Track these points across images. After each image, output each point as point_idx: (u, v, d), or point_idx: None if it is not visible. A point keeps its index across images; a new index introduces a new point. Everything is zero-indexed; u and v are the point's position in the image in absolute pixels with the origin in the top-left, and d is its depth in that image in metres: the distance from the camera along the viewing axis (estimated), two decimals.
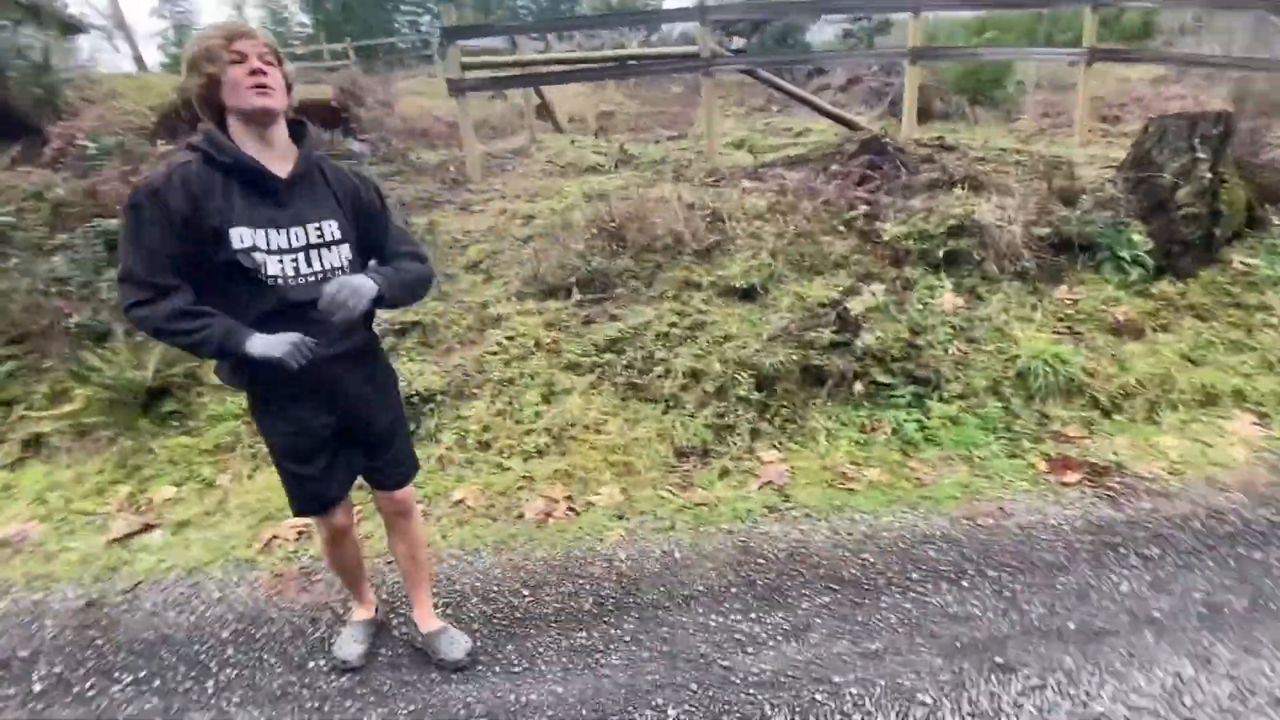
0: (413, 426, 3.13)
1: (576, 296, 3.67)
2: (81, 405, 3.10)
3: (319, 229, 1.46)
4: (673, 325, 3.51)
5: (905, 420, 3.08)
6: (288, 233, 1.43)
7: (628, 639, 2.04)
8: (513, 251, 4.36)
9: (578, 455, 2.99)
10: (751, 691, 1.81)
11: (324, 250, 1.47)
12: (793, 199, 4.09)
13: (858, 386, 3.22)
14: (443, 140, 7.31)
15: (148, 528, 2.68)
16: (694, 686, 1.84)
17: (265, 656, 2.04)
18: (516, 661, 1.97)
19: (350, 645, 1.95)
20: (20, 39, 6.75)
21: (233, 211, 1.37)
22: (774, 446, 3.03)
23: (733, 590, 2.23)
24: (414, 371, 3.34)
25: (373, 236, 1.63)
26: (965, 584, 2.21)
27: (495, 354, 3.44)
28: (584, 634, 2.07)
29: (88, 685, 1.97)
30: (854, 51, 12.33)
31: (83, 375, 3.08)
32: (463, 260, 4.35)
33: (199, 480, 2.94)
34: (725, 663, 1.92)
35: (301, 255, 1.44)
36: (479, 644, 2.02)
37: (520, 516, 2.70)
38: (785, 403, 3.17)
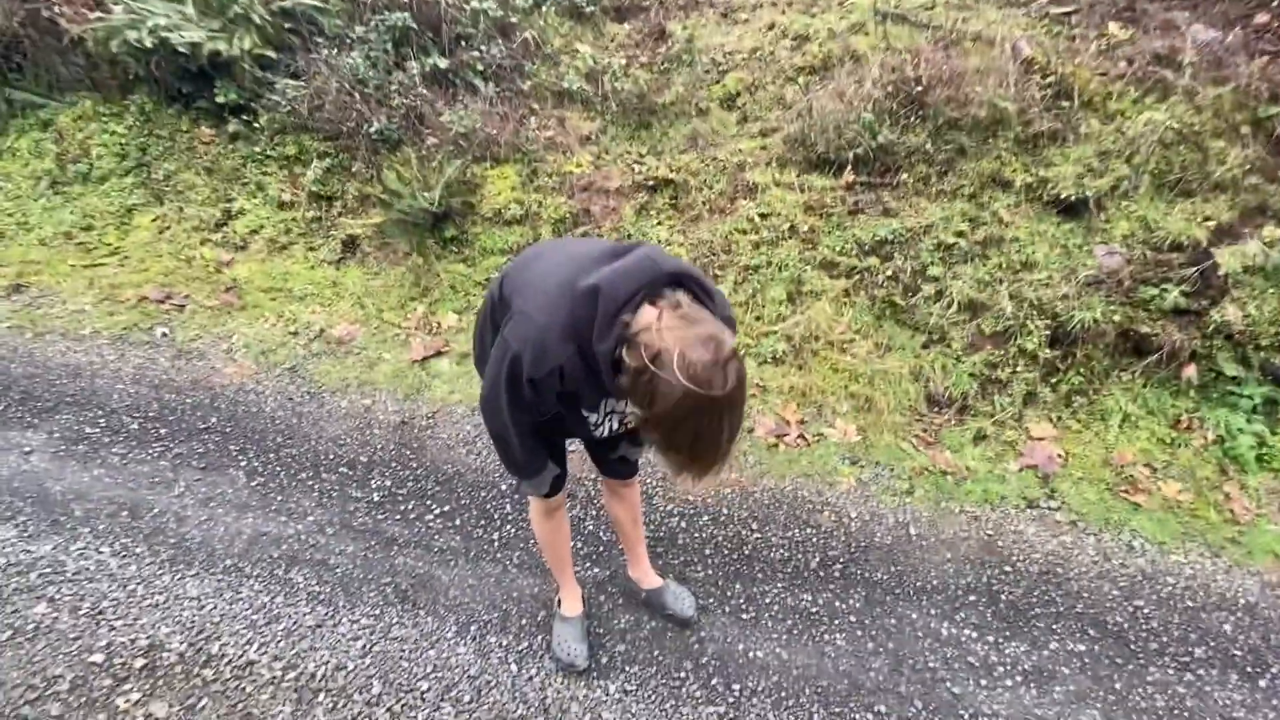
0: None
1: (849, 176, 2.97)
2: (381, 219, 3.27)
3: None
4: (960, 235, 2.77)
5: (1240, 429, 2.33)
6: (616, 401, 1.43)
7: (853, 619, 1.95)
8: (775, 88, 3.55)
9: (816, 374, 2.68)
10: None
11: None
12: (1188, 71, 2.76)
13: (1189, 370, 2.43)
14: None
15: (439, 353, 2.93)
16: (919, 703, 1.75)
17: None
18: (746, 608, 1.99)
19: (574, 645, 1.82)
20: None
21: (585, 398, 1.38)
22: (1049, 419, 2.48)
23: (970, 599, 2.00)
24: (661, 239, 3.04)
25: None
26: (1264, 685, 1.79)
27: (744, 232, 3.00)
28: (809, 596, 2.02)
29: (410, 506, 2.32)
30: None
31: (385, 201, 3.16)
32: (718, 91, 3.64)
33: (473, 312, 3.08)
34: (955, 689, 1.79)
35: (617, 417, 1.45)
36: (706, 571, 2.07)
37: (751, 430, 2.56)
38: (1082, 370, 2.51)
